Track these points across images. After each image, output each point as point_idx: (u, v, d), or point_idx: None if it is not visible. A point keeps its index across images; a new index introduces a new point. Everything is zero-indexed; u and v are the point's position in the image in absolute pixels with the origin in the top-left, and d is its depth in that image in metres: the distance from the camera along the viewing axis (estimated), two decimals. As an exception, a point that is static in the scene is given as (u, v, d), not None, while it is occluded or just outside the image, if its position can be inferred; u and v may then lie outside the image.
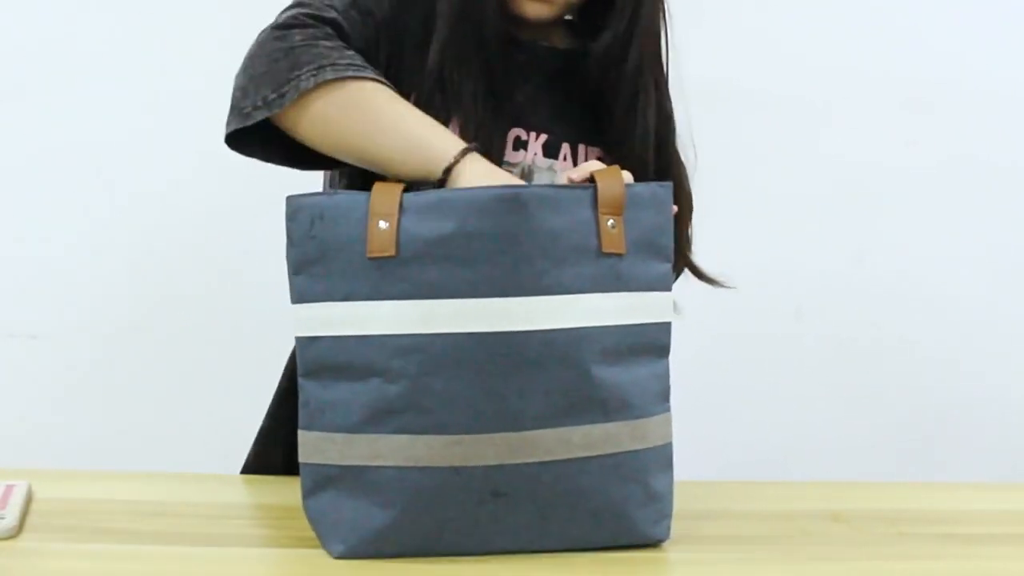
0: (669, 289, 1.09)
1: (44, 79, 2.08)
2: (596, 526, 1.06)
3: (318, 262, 1.04)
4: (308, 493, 1.06)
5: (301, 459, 1.06)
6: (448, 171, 1.09)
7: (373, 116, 1.12)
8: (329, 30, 1.15)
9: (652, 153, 1.27)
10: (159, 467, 1.39)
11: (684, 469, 1.51)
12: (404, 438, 1.01)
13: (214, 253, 2.07)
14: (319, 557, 1.05)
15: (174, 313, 2.10)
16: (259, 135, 1.15)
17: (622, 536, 1.07)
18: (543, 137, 1.26)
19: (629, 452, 1.05)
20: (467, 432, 1.01)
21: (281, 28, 1.14)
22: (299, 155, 1.17)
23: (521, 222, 1.01)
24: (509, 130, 1.25)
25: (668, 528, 1.10)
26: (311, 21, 1.15)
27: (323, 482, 1.05)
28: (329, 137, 1.13)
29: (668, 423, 1.10)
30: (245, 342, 1.92)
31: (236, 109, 1.14)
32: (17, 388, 2.13)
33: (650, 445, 1.07)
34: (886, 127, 2.21)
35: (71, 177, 2.11)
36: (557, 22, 1.28)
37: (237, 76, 1.16)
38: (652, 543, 1.09)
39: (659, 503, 1.09)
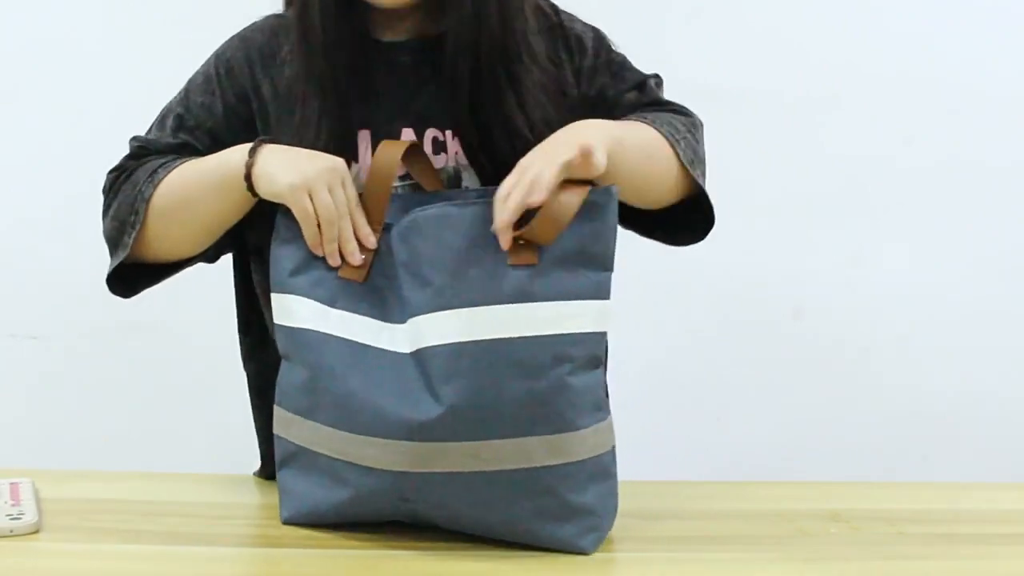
0: (604, 298, 1.06)
1: (45, 78, 2.08)
2: (512, 534, 1.06)
3: (273, 253, 1.13)
4: (279, 464, 1.14)
5: (275, 431, 1.14)
6: (248, 178, 1.13)
7: (184, 188, 1.18)
8: (157, 157, 1.22)
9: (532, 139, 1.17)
10: (159, 467, 1.39)
11: (683, 469, 1.51)
12: (330, 430, 1.07)
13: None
14: (319, 557, 1.05)
15: (175, 312, 2.10)
16: (139, 274, 1.23)
17: (541, 544, 1.06)
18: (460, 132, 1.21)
19: (542, 467, 1.03)
20: (378, 436, 1.04)
21: (119, 169, 1.23)
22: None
23: (420, 243, 1.06)
24: (424, 133, 1.21)
25: (596, 540, 1.07)
26: (140, 152, 1.24)
27: (287, 456, 1.13)
28: (169, 234, 1.20)
29: (600, 433, 1.06)
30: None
31: (116, 245, 1.21)
32: (18, 388, 2.13)
33: (571, 460, 1.04)
34: (886, 127, 2.21)
35: (73, 176, 2.11)
36: (425, 9, 1.21)
37: (103, 226, 1.23)
38: (577, 552, 1.06)
39: (584, 516, 1.05)
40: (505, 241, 1.03)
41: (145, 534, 1.10)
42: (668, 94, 1.33)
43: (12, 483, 1.17)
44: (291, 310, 1.11)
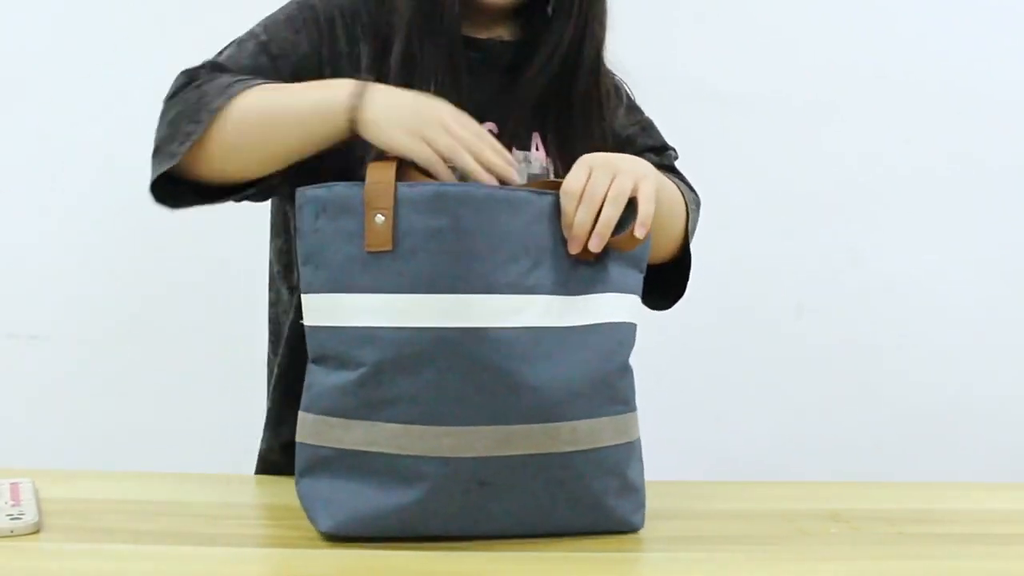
0: (639, 294, 1.14)
1: (44, 79, 2.09)
2: (576, 515, 1.09)
3: (321, 254, 1.07)
4: (303, 472, 1.08)
5: (298, 439, 1.09)
6: (353, 120, 1.11)
7: (269, 108, 1.15)
8: (234, 75, 1.20)
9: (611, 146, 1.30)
10: (159, 467, 1.39)
11: (684, 469, 1.51)
12: (397, 427, 1.04)
13: (215, 251, 2.07)
14: (321, 557, 1.05)
15: (175, 312, 2.11)
16: (186, 189, 1.20)
17: (601, 524, 1.10)
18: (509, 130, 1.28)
19: (610, 446, 1.09)
20: (457, 424, 1.03)
21: (188, 75, 1.20)
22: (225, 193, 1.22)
23: (511, 221, 1.05)
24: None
25: (643, 517, 1.13)
26: (215, 68, 1.22)
27: (319, 463, 1.08)
28: (241, 150, 1.16)
29: (637, 416, 1.14)
30: (247, 340, 1.92)
31: (163, 153, 1.18)
32: (18, 388, 2.13)
33: (629, 439, 1.11)
34: (885, 125, 2.21)
35: (72, 176, 2.11)
36: (507, 15, 1.31)
37: (156, 131, 1.19)
38: (630, 530, 1.11)
39: (635, 493, 1.12)
40: (598, 246, 1.07)
41: (145, 534, 1.10)
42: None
43: (12, 483, 1.17)
44: (338, 309, 1.05)
